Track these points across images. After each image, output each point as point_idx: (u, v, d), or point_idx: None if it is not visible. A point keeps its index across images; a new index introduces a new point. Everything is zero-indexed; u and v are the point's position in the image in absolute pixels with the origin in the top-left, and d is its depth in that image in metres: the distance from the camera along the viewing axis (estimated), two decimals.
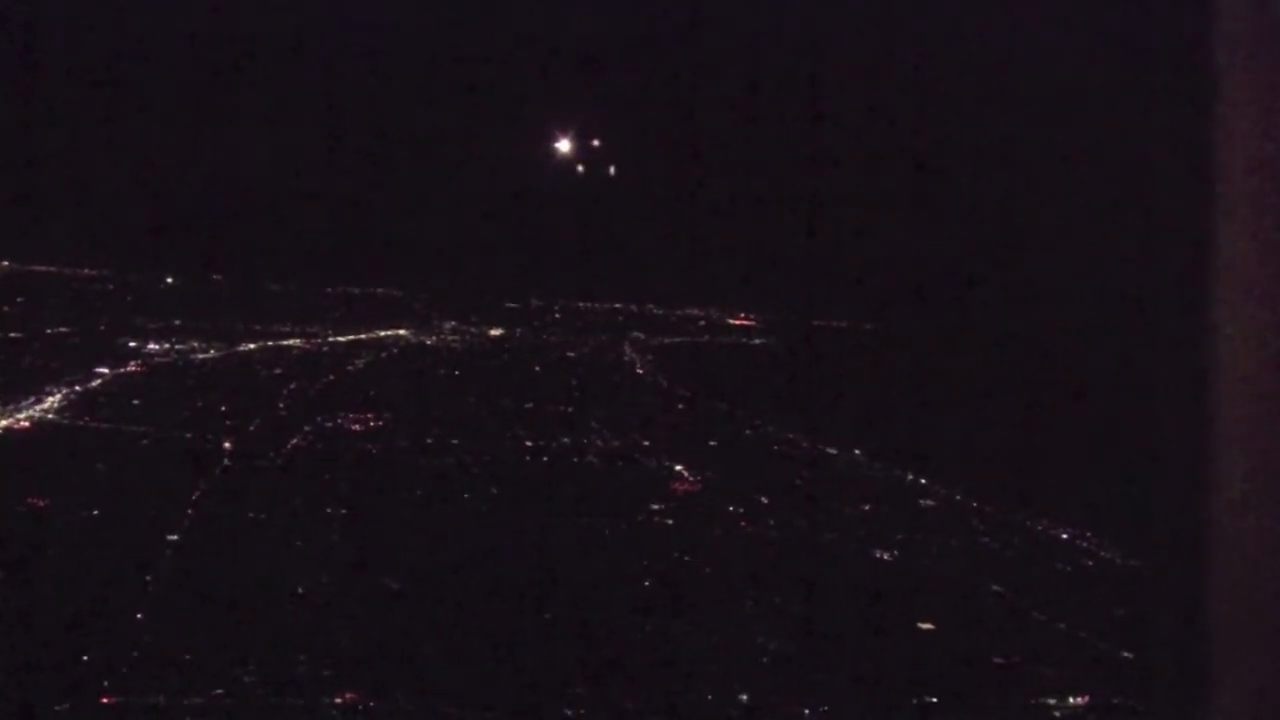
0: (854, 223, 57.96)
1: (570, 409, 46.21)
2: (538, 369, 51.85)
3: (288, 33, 62.14)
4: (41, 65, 53.87)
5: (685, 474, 40.28)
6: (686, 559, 34.18)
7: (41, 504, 33.86)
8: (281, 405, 44.59)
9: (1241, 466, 5.65)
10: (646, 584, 32.38)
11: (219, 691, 26.38)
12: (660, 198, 61.65)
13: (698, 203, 61.34)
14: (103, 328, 50.60)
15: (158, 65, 64.35)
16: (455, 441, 41.90)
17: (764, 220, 60.07)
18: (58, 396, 42.90)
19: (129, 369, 47.22)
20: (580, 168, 51.06)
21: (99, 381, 45.35)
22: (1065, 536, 37.28)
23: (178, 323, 52.19)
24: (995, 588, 34.01)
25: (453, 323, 56.93)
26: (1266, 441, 5.61)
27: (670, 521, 36.53)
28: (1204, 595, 5.68)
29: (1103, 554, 36.34)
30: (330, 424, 42.74)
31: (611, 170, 52.49)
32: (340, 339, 53.69)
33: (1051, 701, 28.77)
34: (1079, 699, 28.83)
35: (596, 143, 51.31)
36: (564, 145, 50.19)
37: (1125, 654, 31.07)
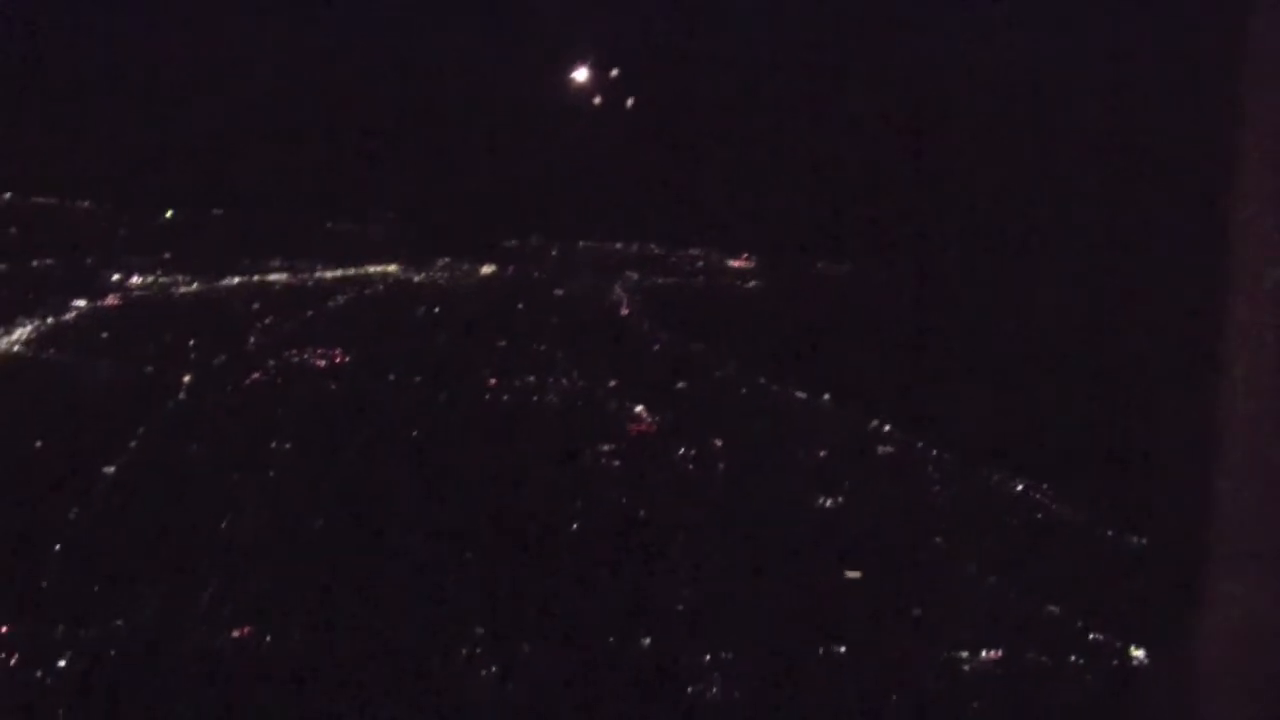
0: (865, 167, 57.22)
1: (544, 348, 45.95)
2: (520, 307, 51.59)
3: None
4: None
5: (643, 415, 40.01)
6: (623, 501, 33.94)
7: None
8: (252, 340, 44.65)
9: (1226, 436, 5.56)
10: (574, 526, 32.19)
11: (118, 623, 26.52)
12: (671, 136, 61.04)
13: (710, 143, 60.71)
14: (89, 261, 50.72)
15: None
16: (417, 379, 41.81)
17: (776, 163, 59.39)
18: (28, 328, 43.18)
19: (106, 302, 47.39)
20: (596, 99, 50.42)
21: (73, 314, 45.57)
22: (1020, 488, 36.75)
23: (166, 256, 52.24)
24: (936, 539, 33.56)
25: (445, 259, 56.67)
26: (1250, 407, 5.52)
27: (616, 463, 36.29)
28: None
29: (1054, 507, 35.86)
30: (296, 360, 42.74)
31: (630, 103, 51.81)
32: (327, 274, 53.64)
33: (963, 655, 28.47)
34: (991, 653, 28.51)
35: (615, 73, 50.62)
36: (581, 75, 49.53)
37: (1051, 609, 30.69)
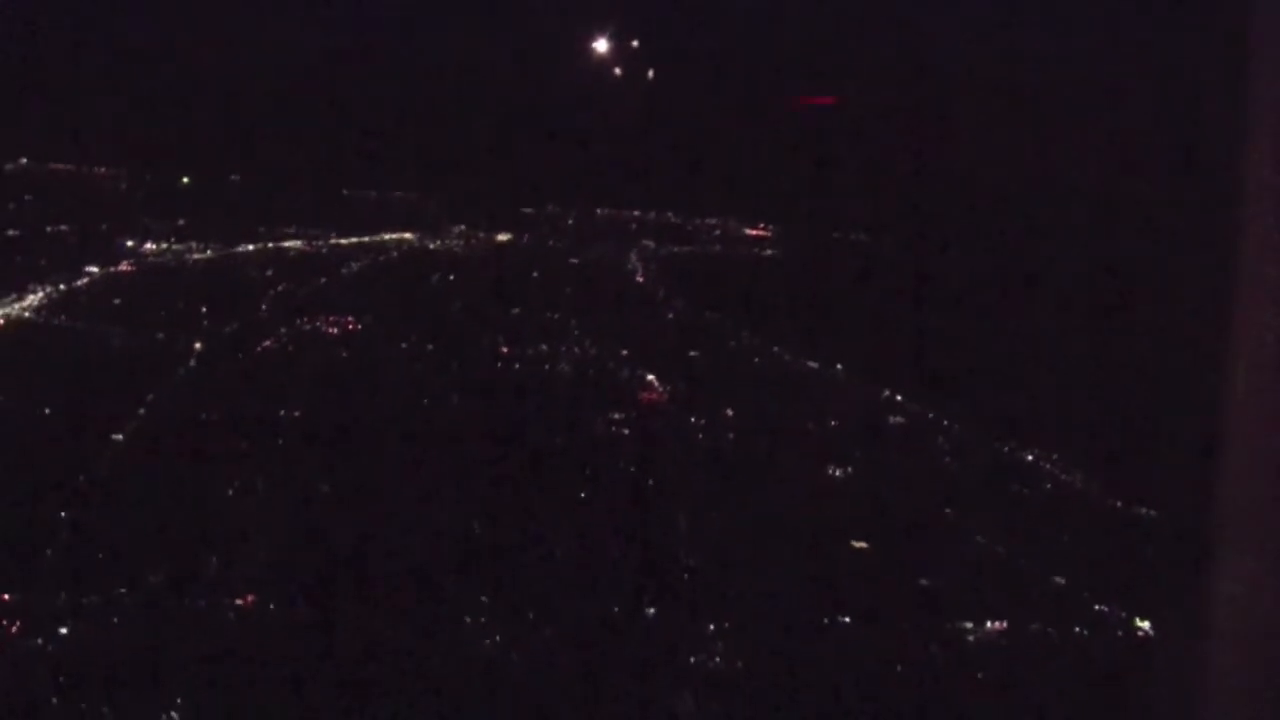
0: (883, 138, 56.97)
1: (557, 316, 45.90)
2: (535, 275, 51.53)
3: None
4: None
5: (655, 384, 39.93)
6: (632, 470, 33.87)
7: None
8: (264, 307, 44.69)
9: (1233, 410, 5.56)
10: (581, 495, 32.14)
11: (121, 590, 26.56)
12: (691, 106, 60.84)
13: (729, 113, 60.50)
14: (104, 227, 50.81)
15: None
16: (430, 347, 41.79)
17: (795, 134, 59.15)
18: (40, 294, 43.28)
19: (120, 268, 47.47)
20: (617, 70, 50.17)
21: (85, 280, 45.66)
22: (1030, 459, 36.58)
23: (181, 223, 52.33)
24: (945, 510, 33.43)
25: (461, 227, 56.65)
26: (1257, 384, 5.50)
27: (626, 432, 36.23)
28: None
29: (1064, 478, 35.66)
30: (308, 327, 42.76)
31: (650, 74, 51.56)
32: (342, 241, 53.65)
33: (968, 625, 28.35)
34: (996, 624, 28.39)
35: (636, 43, 50.31)
36: (601, 45, 49.25)
37: (1058, 579, 30.55)
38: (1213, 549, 5.78)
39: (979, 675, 26.94)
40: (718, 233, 59.70)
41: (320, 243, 53.49)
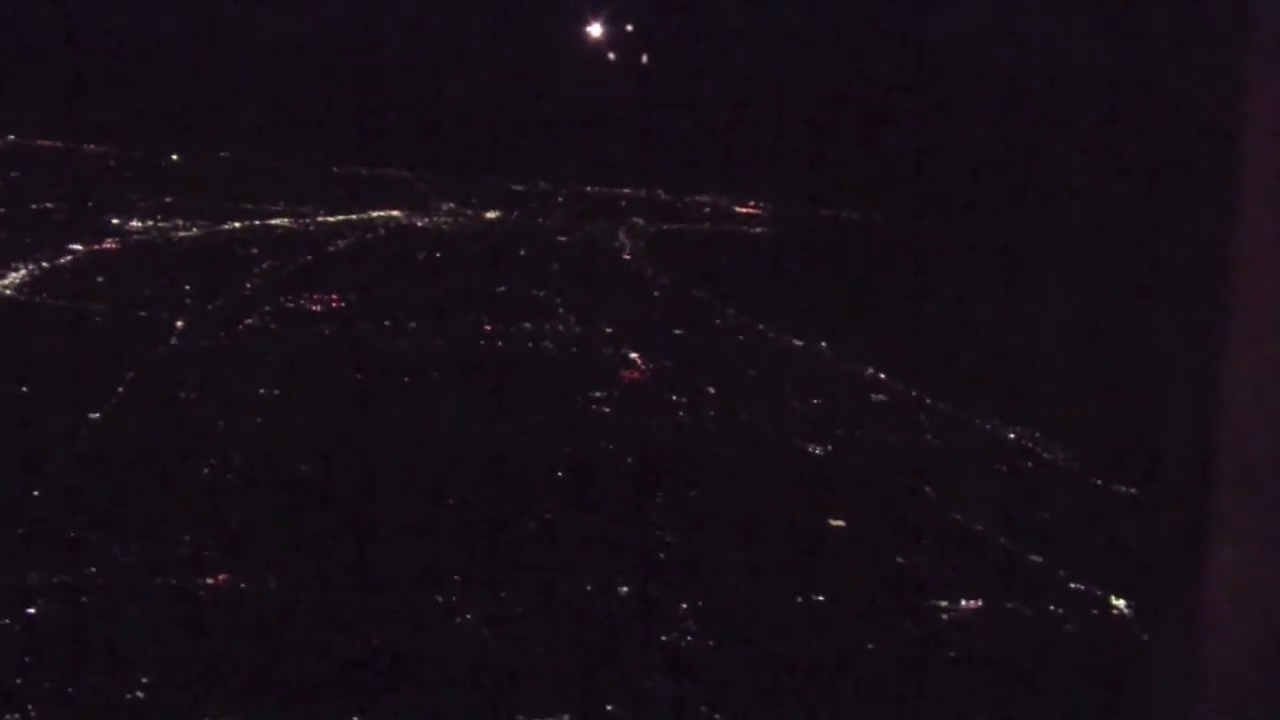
0: (876, 113, 56.86)
1: (543, 293, 45.83)
2: (522, 253, 51.43)
3: None
4: None
5: (638, 362, 39.87)
6: (610, 448, 33.82)
7: None
8: (248, 285, 44.62)
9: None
10: (559, 474, 32.08)
11: (91, 570, 26.52)
12: (682, 83, 60.71)
13: (720, 88, 60.39)
14: (90, 204, 50.72)
15: None
16: (413, 325, 41.73)
17: (788, 110, 59.04)
18: (22, 273, 43.21)
19: (104, 246, 47.39)
20: (611, 55, 50.12)
21: (68, 258, 45.57)
22: (1013, 436, 36.56)
23: (168, 200, 52.24)
24: (925, 488, 33.40)
25: (450, 205, 56.54)
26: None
27: (606, 410, 36.18)
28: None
29: (1045, 455, 35.61)
30: (292, 304, 42.70)
31: (644, 59, 51.52)
32: (330, 219, 53.56)
33: (943, 604, 28.32)
34: (971, 603, 28.37)
35: (630, 28, 50.25)
36: (595, 30, 49.19)
37: (1035, 558, 30.53)
38: (1208, 532, 5.75)
39: (952, 653, 26.88)
40: (708, 210, 59.62)
41: (308, 220, 53.42)
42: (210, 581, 26.60)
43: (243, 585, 26.69)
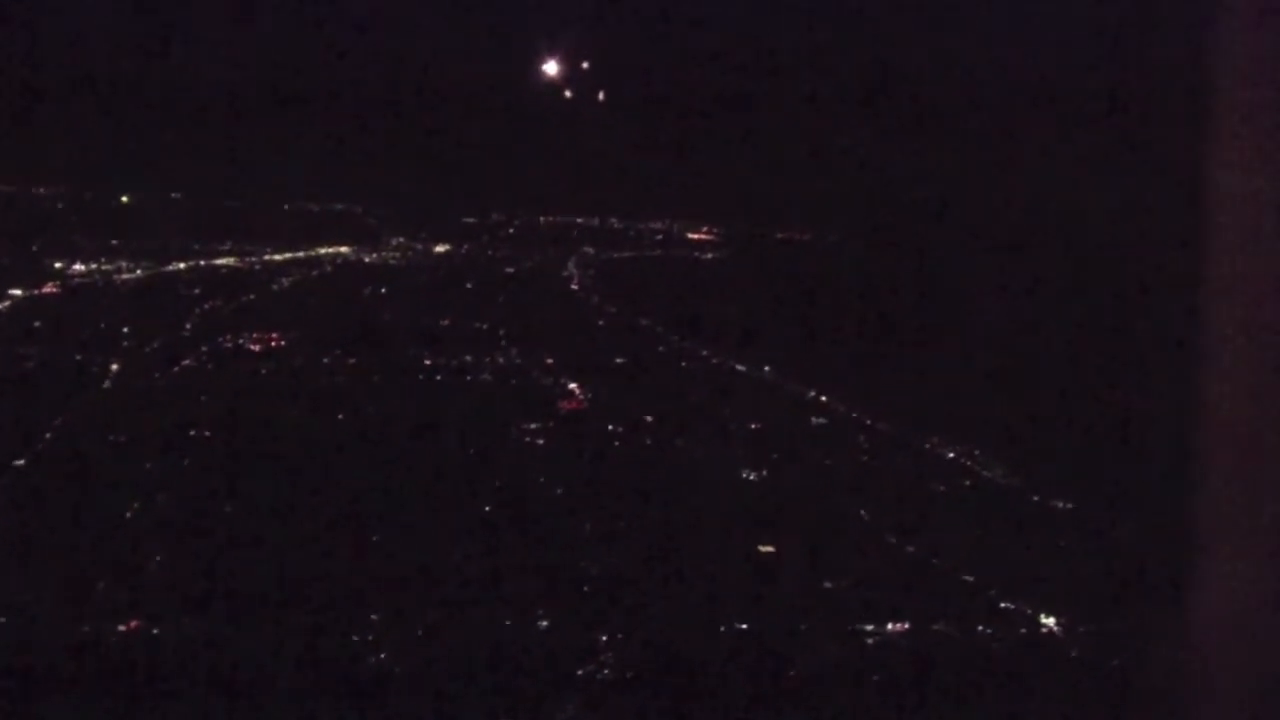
0: (827, 139, 56.88)
1: (485, 326, 45.58)
2: (469, 285, 51.21)
3: None
4: None
5: (576, 392, 39.63)
6: (541, 480, 33.56)
7: None
8: (188, 325, 44.34)
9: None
10: (486, 508, 31.82)
11: (2, 620, 26.22)
12: (634, 112, 60.66)
13: (672, 117, 60.37)
14: (35, 248, 50.47)
15: None
16: (352, 361, 41.47)
17: (740, 137, 59.03)
18: None
19: (44, 290, 47.10)
20: (568, 92, 50.09)
21: (7, 304, 45.27)
22: (952, 455, 36.37)
23: (114, 242, 51.98)
24: (859, 510, 33.18)
25: (399, 239, 56.39)
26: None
27: (540, 442, 35.92)
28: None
29: (984, 473, 35.42)
30: (230, 344, 42.42)
31: (601, 95, 51.50)
32: (277, 257, 53.32)
33: (869, 628, 28.04)
34: (898, 625, 28.10)
35: (586, 65, 50.21)
36: (552, 66, 49.15)
37: (966, 578, 30.29)
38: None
39: (875, 677, 26.61)
40: (660, 237, 59.50)
41: (254, 259, 53.17)
42: (122, 628, 26.22)
43: (154, 631, 26.30)
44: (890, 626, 28.48)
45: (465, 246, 56.74)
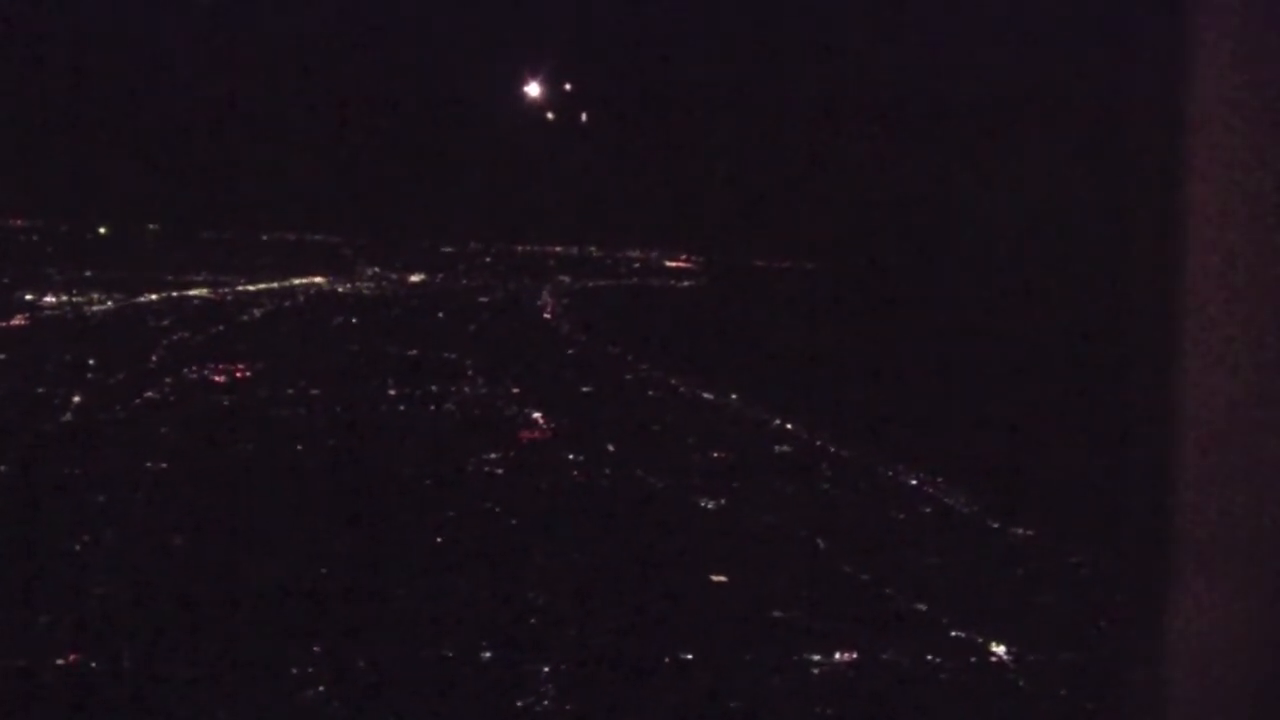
0: (805, 166, 56.97)
1: (453, 356, 45.53)
2: (441, 315, 51.20)
3: None
4: None
5: (539, 422, 39.53)
6: (496, 510, 33.43)
7: None
8: (154, 357, 44.30)
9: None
10: (438, 540, 31.67)
11: None
12: (616, 141, 60.75)
13: (651, 145, 60.49)
14: (5, 280, 50.51)
15: (97, 10, 64.22)
16: (315, 392, 41.39)
17: (718, 164, 59.09)
18: None
19: (12, 323, 47.08)
20: (550, 114, 50.14)
21: None
22: (914, 482, 36.24)
23: (87, 274, 52.03)
24: (816, 539, 33.02)
25: (375, 269, 56.42)
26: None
27: (499, 471, 35.81)
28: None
29: (946, 500, 35.30)
30: (195, 376, 42.38)
31: (584, 117, 51.56)
32: (249, 288, 53.34)
33: (815, 658, 27.84)
34: (846, 655, 27.90)
35: (568, 86, 50.29)
36: (533, 90, 49.20)
37: (919, 606, 30.13)
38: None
39: (817, 709, 26.40)
40: (637, 265, 59.53)
41: (226, 290, 53.19)
42: (60, 662, 26.06)
43: (93, 665, 26.14)
44: (837, 656, 28.27)
45: (440, 276, 56.76)
